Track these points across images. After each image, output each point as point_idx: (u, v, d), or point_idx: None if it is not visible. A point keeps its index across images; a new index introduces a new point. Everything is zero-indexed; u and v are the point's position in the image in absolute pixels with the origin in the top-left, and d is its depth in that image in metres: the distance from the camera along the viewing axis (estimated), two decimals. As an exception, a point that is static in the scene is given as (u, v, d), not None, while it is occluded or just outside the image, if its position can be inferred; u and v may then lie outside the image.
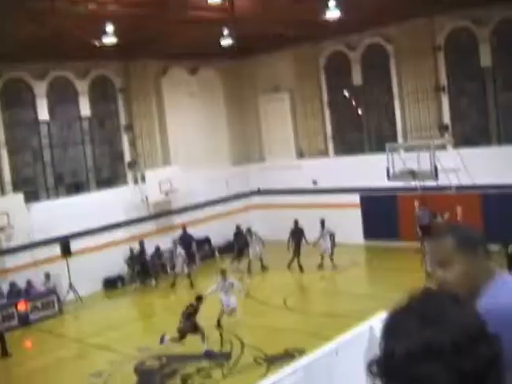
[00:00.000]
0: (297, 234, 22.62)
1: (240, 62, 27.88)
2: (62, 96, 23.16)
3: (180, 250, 22.72)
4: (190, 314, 15.76)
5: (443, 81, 23.07)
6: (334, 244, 22.09)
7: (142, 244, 23.50)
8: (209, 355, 15.07)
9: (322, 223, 22.38)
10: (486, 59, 22.02)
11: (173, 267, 23.05)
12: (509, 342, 2.22)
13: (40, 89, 22.26)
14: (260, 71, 27.89)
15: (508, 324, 2.34)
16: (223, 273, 17.85)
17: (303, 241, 22.48)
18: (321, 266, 22.10)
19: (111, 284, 22.93)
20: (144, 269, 23.07)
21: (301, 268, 22.12)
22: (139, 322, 17.95)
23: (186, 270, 22.50)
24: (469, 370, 1.35)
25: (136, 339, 17.12)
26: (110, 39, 18.44)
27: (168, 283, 22.59)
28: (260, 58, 27.35)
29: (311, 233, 22.35)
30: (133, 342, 16.82)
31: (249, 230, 23.74)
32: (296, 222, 22.93)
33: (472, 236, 2.79)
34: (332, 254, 21.95)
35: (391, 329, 1.49)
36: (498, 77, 22.30)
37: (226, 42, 21.79)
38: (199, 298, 16.11)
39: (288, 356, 14.23)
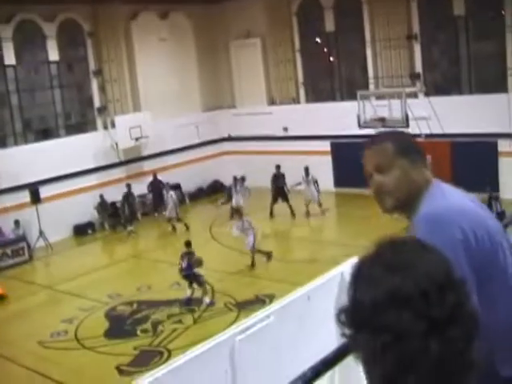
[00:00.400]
0: (278, 179, 22.62)
1: (211, 6, 27.47)
2: (29, 40, 22.64)
3: (171, 193, 22.47)
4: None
5: (416, 29, 22.98)
6: (318, 191, 22.21)
7: (129, 187, 23.66)
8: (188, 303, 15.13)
9: (307, 170, 22.41)
10: (459, 8, 21.92)
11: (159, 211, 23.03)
12: (442, 238, 2.33)
13: (6, 32, 21.68)
14: (232, 17, 27.52)
15: (447, 222, 2.49)
16: (238, 212, 18.43)
17: (286, 186, 22.48)
18: (307, 214, 22.15)
19: (81, 231, 22.87)
20: (115, 214, 23.07)
21: (293, 213, 22.18)
22: (110, 268, 17.97)
23: (174, 214, 22.28)
24: (436, 317, 1.35)
25: (107, 286, 17.17)
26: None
27: (138, 229, 22.60)
28: (232, 3, 26.96)
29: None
30: (104, 288, 16.87)
31: (242, 179, 23.57)
32: (278, 167, 22.92)
33: (411, 143, 2.84)
34: (319, 200, 22.06)
35: (358, 278, 1.48)
36: (471, 26, 22.26)
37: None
38: (188, 244, 16.17)
39: (258, 302, 14.41)
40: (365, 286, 1.43)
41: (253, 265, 17.36)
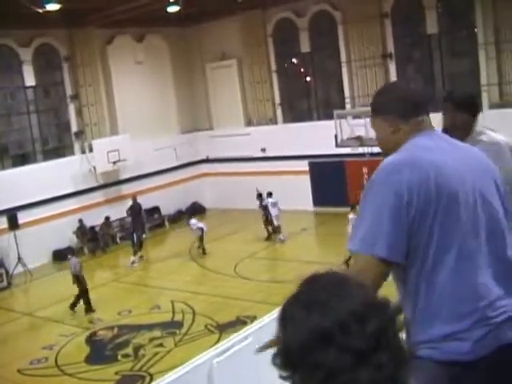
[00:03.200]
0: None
1: (187, 29, 27.60)
2: (5, 65, 22.60)
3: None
4: None
5: (390, 48, 23.21)
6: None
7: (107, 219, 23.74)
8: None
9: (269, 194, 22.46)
10: (432, 26, 22.18)
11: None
12: (380, 188, 2.52)
13: (-18, 58, 21.68)
14: (207, 38, 27.65)
15: (392, 173, 2.56)
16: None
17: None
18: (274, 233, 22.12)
19: (61, 256, 22.64)
20: (94, 239, 22.96)
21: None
22: (90, 293, 17.80)
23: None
24: (360, 348, 1.36)
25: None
26: (53, 6, 18.03)
27: (117, 253, 22.49)
28: (207, 25, 27.09)
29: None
30: (83, 313, 16.72)
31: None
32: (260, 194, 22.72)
33: (383, 100, 2.90)
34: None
35: (282, 320, 1.49)
36: (444, 44, 22.54)
37: (173, 8, 21.53)
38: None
39: (240, 323, 14.35)
40: (289, 328, 1.45)
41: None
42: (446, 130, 3.96)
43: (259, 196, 22.43)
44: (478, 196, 2.61)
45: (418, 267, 2.54)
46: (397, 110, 2.79)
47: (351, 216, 17.94)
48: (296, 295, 1.51)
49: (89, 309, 16.77)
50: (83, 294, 16.94)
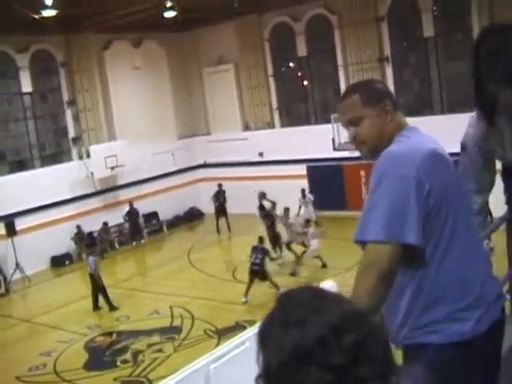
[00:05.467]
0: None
1: (184, 34, 27.61)
2: (2, 71, 22.60)
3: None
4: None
5: (387, 51, 23.24)
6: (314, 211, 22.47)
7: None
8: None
9: (303, 192, 22.77)
10: (428, 29, 22.23)
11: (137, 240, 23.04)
12: (396, 174, 2.54)
13: (-22, 64, 21.68)
14: (204, 43, 27.67)
15: (404, 159, 2.59)
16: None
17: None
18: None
19: (59, 262, 22.67)
20: (92, 245, 22.92)
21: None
22: (88, 299, 17.77)
23: None
24: (339, 364, 1.33)
25: (85, 317, 16.98)
26: (49, 12, 18.03)
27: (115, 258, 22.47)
28: (204, 30, 27.11)
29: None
30: (82, 319, 16.70)
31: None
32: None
33: (378, 89, 2.92)
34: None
35: (261, 340, 1.46)
36: (441, 47, 22.57)
37: (170, 14, 21.53)
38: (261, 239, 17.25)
39: (239, 328, 14.31)
40: (269, 349, 1.42)
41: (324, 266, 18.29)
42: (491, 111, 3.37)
43: (261, 207, 21.95)
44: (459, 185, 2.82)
45: (429, 253, 2.61)
46: (391, 99, 2.86)
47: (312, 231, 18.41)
48: (272, 314, 1.49)
49: (112, 307, 17.09)
50: (101, 291, 17.22)
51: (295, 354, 1.35)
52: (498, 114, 3.20)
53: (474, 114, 3.53)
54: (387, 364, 1.41)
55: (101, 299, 17.28)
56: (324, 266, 18.27)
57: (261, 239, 17.34)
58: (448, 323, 2.63)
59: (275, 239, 20.04)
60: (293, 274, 18.16)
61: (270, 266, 17.39)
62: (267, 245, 18.46)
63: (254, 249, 16.82)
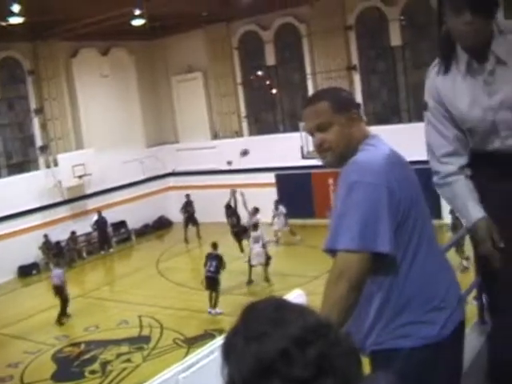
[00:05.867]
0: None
1: (152, 42, 27.57)
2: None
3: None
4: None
5: (355, 60, 23.42)
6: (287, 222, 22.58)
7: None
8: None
9: (276, 203, 22.83)
10: (395, 38, 22.47)
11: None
12: (368, 182, 2.56)
13: None
14: (173, 51, 27.65)
15: (374, 168, 2.62)
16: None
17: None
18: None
19: (26, 271, 22.42)
20: (59, 254, 22.72)
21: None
22: (56, 309, 17.59)
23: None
24: (303, 376, 1.33)
25: (53, 327, 16.81)
26: (16, 19, 17.89)
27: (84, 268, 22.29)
28: (172, 38, 27.09)
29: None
30: (50, 329, 16.53)
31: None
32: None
33: (347, 99, 2.94)
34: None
35: (225, 353, 1.45)
36: (408, 55, 22.82)
37: (138, 22, 21.48)
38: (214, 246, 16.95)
39: (208, 337, 14.29)
40: (232, 362, 1.40)
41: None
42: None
43: (228, 206, 22.51)
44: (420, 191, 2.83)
45: (398, 260, 2.63)
46: (357, 108, 2.88)
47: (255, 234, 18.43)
48: (235, 326, 1.47)
49: (61, 319, 16.95)
50: (65, 303, 17.14)
51: (257, 367, 1.34)
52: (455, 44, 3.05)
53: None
54: (353, 374, 1.40)
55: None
56: (250, 282, 18.19)
57: (214, 245, 17.13)
58: (416, 327, 2.66)
59: (238, 236, 20.95)
60: (249, 282, 18.19)
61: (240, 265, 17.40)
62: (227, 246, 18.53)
63: (209, 256, 16.70)
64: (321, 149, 2.83)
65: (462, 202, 3.08)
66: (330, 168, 2.92)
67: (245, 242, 20.06)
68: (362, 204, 2.56)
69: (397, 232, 2.59)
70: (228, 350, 1.44)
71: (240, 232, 20.98)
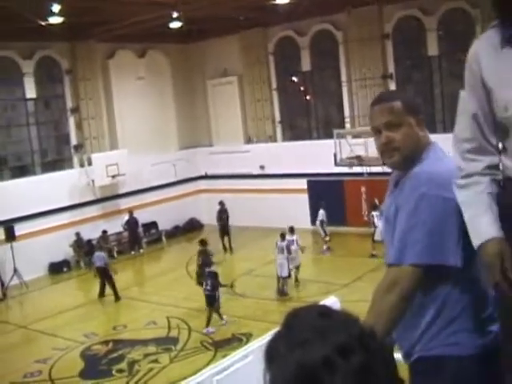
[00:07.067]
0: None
1: (189, 45, 27.71)
2: (7, 77, 22.63)
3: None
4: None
5: (391, 69, 23.33)
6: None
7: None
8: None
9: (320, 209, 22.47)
10: (432, 48, 22.34)
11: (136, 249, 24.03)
12: (437, 196, 2.58)
13: (-17, 69, 21.72)
14: (209, 55, 27.77)
15: (443, 183, 2.60)
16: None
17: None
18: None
19: (57, 269, 22.64)
20: (90, 253, 22.93)
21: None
22: (85, 307, 17.77)
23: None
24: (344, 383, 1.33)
25: (82, 325, 16.93)
26: (56, 19, 18.10)
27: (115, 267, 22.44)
28: (209, 42, 27.22)
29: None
30: (79, 327, 16.65)
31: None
32: None
33: (416, 102, 3.03)
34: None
35: (267, 358, 1.44)
36: (444, 66, 22.67)
37: (175, 24, 21.61)
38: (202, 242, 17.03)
39: (235, 340, 14.31)
40: (274, 367, 1.40)
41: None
42: None
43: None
44: None
45: (458, 273, 2.64)
46: (422, 113, 2.93)
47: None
48: (278, 333, 1.46)
49: (117, 298, 18.61)
50: (110, 282, 18.74)
51: (299, 374, 1.34)
52: None
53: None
54: (395, 382, 1.42)
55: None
56: (279, 291, 17.95)
57: (202, 242, 17.55)
58: (467, 335, 2.67)
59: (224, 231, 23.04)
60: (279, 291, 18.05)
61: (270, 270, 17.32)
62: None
63: (199, 253, 16.86)
64: (388, 147, 2.82)
65: (476, 212, 2.49)
66: (393, 169, 2.92)
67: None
68: (429, 217, 2.58)
69: (460, 244, 2.60)
70: (271, 355, 1.43)
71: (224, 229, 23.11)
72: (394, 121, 2.78)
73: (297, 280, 18.58)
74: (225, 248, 23.54)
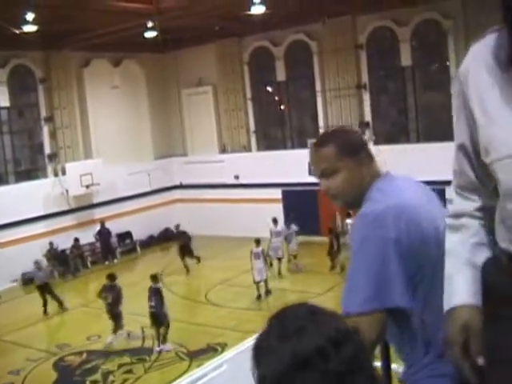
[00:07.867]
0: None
1: (164, 55, 27.71)
2: (-21, 86, 22.50)
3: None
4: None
5: (365, 79, 23.50)
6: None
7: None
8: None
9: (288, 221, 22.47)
10: (406, 59, 22.54)
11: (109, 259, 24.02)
12: (375, 237, 2.39)
13: (-44, 78, 21.53)
14: (184, 65, 27.78)
15: (381, 222, 2.43)
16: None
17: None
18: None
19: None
20: (64, 263, 22.78)
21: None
22: (59, 317, 17.62)
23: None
24: (340, 371, 1.37)
25: (56, 335, 16.83)
26: (30, 27, 18.01)
27: (88, 278, 22.31)
28: (184, 51, 27.23)
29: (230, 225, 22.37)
30: (52, 338, 16.55)
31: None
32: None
33: (355, 140, 2.78)
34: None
35: (257, 353, 1.48)
36: (418, 76, 22.90)
37: (150, 34, 21.59)
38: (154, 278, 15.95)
39: (210, 350, 14.28)
40: (265, 360, 1.43)
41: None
42: None
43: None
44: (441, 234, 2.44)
45: (415, 309, 2.48)
46: (366, 150, 2.74)
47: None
48: (268, 328, 1.50)
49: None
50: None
51: (293, 362, 1.38)
52: None
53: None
54: (376, 375, 1.50)
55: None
56: (259, 296, 18.42)
57: (154, 278, 16.00)
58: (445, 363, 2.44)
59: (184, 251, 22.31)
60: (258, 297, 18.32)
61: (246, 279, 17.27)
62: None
63: (150, 290, 15.60)
64: (327, 195, 2.72)
65: (453, 266, 2.06)
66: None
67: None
68: (369, 261, 2.42)
69: (410, 282, 2.44)
70: (260, 352, 1.47)
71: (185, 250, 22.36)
72: (328, 169, 2.66)
73: (279, 273, 20.10)
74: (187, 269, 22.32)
